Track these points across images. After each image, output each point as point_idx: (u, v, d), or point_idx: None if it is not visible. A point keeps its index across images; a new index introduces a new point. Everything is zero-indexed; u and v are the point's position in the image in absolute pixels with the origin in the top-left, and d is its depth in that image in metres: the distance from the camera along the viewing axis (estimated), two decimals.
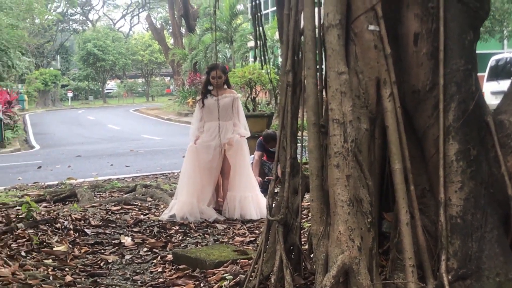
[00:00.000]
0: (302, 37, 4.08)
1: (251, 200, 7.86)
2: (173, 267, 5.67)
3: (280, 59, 24.18)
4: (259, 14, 5.05)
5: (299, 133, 4.37)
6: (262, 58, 5.07)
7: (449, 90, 3.80)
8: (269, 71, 11.54)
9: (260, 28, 5.00)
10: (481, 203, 3.81)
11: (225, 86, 8.15)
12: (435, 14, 3.82)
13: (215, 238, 6.86)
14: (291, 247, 4.24)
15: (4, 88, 31.11)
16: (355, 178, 3.64)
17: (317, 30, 3.95)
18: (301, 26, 4.10)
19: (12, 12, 32.62)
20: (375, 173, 3.96)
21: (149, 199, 9.33)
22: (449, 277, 3.67)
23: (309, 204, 4.30)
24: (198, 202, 7.84)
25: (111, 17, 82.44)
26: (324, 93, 3.93)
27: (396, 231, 3.79)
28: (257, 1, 4.99)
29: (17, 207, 8.34)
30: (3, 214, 7.47)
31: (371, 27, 3.73)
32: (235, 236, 6.83)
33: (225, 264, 5.36)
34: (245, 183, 7.98)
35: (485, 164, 3.90)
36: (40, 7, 42.71)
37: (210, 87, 8.08)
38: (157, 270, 5.66)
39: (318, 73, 3.94)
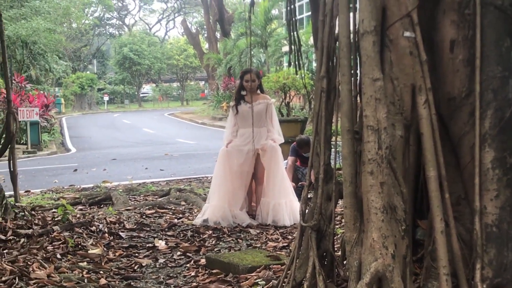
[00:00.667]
0: (337, 43, 4.06)
1: (285, 206, 7.81)
2: (206, 272, 5.69)
3: (314, 64, 24.15)
4: (294, 19, 5.05)
5: (333, 139, 4.35)
6: (297, 63, 5.07)
7: (485, 97, 3.75)
8: (303, 76, 11.56)
9: (295, 33, 5.01)
10: None
11: (259, 91, 8.14)
12: (472, 21, 3.77)
13: (248, 243, 6.87)
14: (324, 254, 4.22)
15: (42, 92, 31.55)
16: (389, 185, 3.62)
17: (352, 36, 3.93)
18: (336, 32, 4.08)
19: (49, 16, 33.08)
20: (409, 180, 3.92)
21: (183, 203, 9.37)
22: (484, 286, 3.62)
23: (342, 211, 4.28)
24: (229, 206, 7.84)
25: (147, 22, 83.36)
26: (358, 99, 3.91)
27: (431, 239, 3.75)
28: (292, 6, 5.00)
29: (53, 210, 8.44)
30: (39, 217, 7.56)
31: (407, 34, 3.71)
32: (268, 241, 6.83)
33: (258, 269, 5.36)
34: (279, 189, 7.94)
35: None
36: (77, 11, 43.26)
37: (244, 92, 8.08)
38: (190, 274, 5.69)
39: (352, 79, 3.92)
